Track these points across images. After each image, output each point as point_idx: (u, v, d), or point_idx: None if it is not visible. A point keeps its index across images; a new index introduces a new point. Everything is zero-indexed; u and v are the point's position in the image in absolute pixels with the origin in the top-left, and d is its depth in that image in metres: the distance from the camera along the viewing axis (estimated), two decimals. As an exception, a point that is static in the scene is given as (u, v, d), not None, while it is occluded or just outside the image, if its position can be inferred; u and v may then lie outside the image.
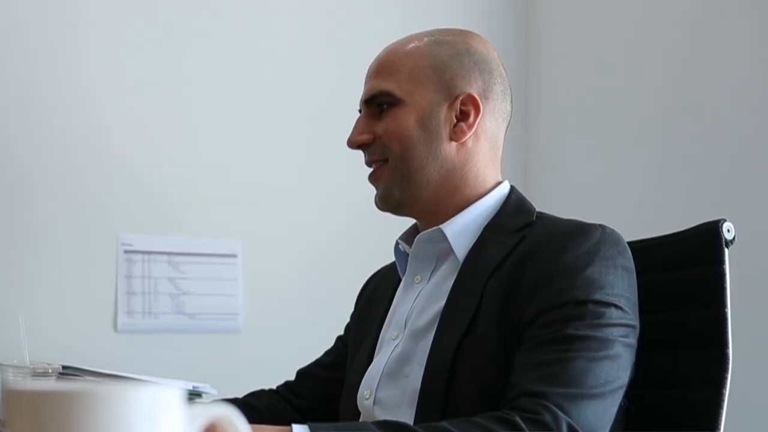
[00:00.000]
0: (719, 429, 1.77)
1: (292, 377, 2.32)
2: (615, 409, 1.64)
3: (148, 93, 3.25)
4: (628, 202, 3.28)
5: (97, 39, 3.20)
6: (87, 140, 3.14)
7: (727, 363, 1.81)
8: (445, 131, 1.92)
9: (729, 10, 2.97)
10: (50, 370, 2.45)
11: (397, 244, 2.04)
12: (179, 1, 3.32)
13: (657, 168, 3.21)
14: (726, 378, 1.80)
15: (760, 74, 2.84)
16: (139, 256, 3.17)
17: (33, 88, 3.10)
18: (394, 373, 1.88)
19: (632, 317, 1.73)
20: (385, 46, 2.03)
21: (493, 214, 1.94)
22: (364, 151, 1.98)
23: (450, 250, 1.91)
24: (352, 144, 1.98)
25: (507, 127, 2.05)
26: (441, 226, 1.91)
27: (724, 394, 1.80)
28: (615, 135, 3.42)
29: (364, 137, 1.95)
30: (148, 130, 3.23)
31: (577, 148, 3.60)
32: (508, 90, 2.02)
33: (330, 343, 2.35)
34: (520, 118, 3.67)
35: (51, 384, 0.66)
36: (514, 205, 1.95)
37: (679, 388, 1.88)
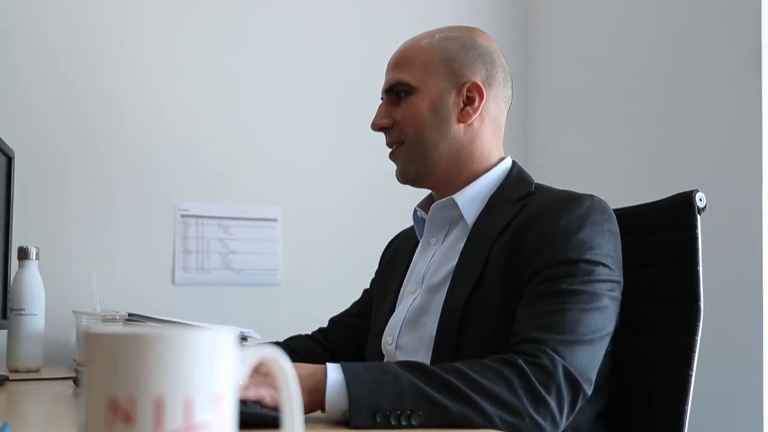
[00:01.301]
0: (692, 369, 1.78)
1: (325, 324, 2.34)
2: (603, 353, 1.64)
3: (202, 82, 3.26)
4: (613, 174, 3.28)
5: (159, 32, 3.21)
6: (150, 122, 3.16)
7: (699, 313, 1.82)
8: (453, 114, 1.92)
9: (695, 12, 2.96)
10: (118, 317, 2.47)
11: (415, 211, 2.06)
12: (230, 11, 3.32)
13: (639, 145, 3.20)
14: (698, 326, 1.81)
15: (720, 66, 2.83)
16: (193, 220, 3.18)
17: (102, 72, 3.11)
18: (413, 322, 1.89)
19: (617, 274, 1.73)
20: (400, 40, 2.03)
21: (498, 185, 1.94)
22: (385, 133, 1.99)
23: (461, 217, 1.92)
24: (375, 127, 1.99)
25: (508, 110, 2.04)
26: (453, 196, 1.92)
27: (696, 340, 1.80)
28: (603, 117, 3.41)
29: (385, 121, 1.96)
30: (202, 114, 3.24)
31: (570, 128, 3.60)
32: (509, 77, 2.02)
33: (357, 295, 2.36)
34: (521, 102, 3.67)
35: (125, 328, 0.66)
36: (516, 178, 1.95)
37: (657, 335, 1.88)
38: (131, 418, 0.66)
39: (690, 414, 1.78)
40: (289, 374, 0.75)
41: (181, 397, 0.66)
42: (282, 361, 0.75)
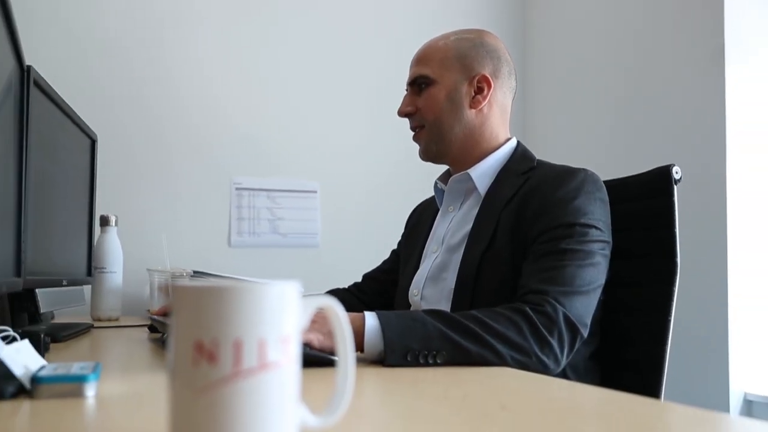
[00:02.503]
0: (671, 315, 1.78)
1: (358, 279, 2.34)
2: (596, 302, 1.63)
3: (254, 75, 3.26)
4: (598, 150, 3.27)
5: (216, 31, 3.21)
6: (209, 109, 3.16)
7: (676, 268, 1.82)
8: (466, 102, 1.92)
9: (669, 12, 2.95)
10: (185, 274, 2.47)
11: (435, 183, 2.06)
12: (273, 11, 3.31)
13: (621, 126, 3.20)
14: (675, 278, 1.81)
15: (690, 59, 2.82)
16: (246, 192, 3.19)
17: (167, 67, 3.12)
18: (435, 277, 1.89)
19: (607, 235, 1.72)
20: (420, 41, 2.03)
21: (505, 162, 1.93)
22: (408, 119, 2.00)
23: (474, 188, 1.92)
24: (400, 114, 2.00)
25: (513, 98, 2.04)
26: (468, 170, 1.92)
27: (674, 290, 1.80)
28: (590, 103, 3.40)
29: (409, 109, 1.97)
30: (253, 102, 3.25)
31: (562, 113, 3.59)
32: (513, 71, 2.01)
33: (385, 255, 2.36)
34: (520, 90, 3.66)
35: (206, 282, 0.66)
36: (521, 155, 1.95)
37: (641, 286, 1.87)
38: (215, 357, 0.65)
39: (669, 353, 1.78)
40: (343, 320, 0.75)
41: (256, 339, 0.66)
42: (337, 309, 0.75)
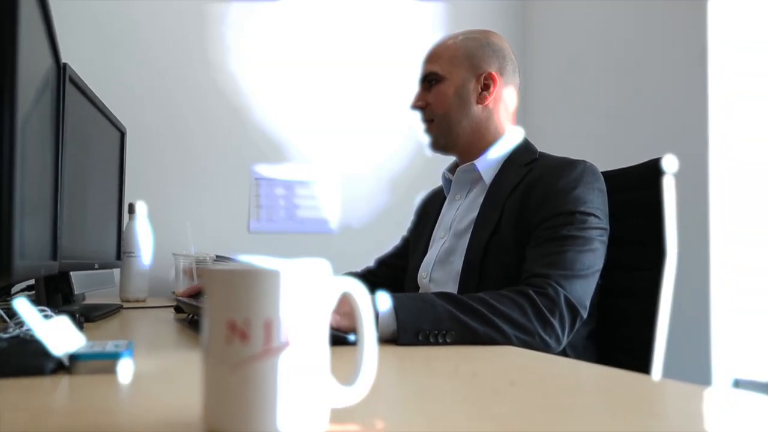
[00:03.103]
0: (660, 296, 1.78)
1: (369, 264, 2.33)
2: (594, 285, 1.63)
3: (273, 73, 3.25)
4: (591, 143, 3.27)
5: (234, 30, 3.20)
6: (230, 104, 3.17)
7: (666, 254, 1.81)
8: (473, 98, 1.92)
9: (658, 18, 2.95)
10: (208, 258, 2.47)
11: (443, 173, 2.05)
12: (290, 10, 3.31)
13: (613, 120, 3.20)
14: (666, 264, 1.80)
15: (677, 60, 2.82)
16: (265, 182, 3.20)
17: (190, 66, 3.12)
18: (442, 261, 1.89)
19: (605, 223, 1.71)
20: (427, 39, 2.03)
21: (509, 153, 1.93)
22: (420, 113, 1.99)
23: (480, 178, 1.91)
24: (412, 108, 1.99)
25: (517, 94, 2.04)
26: (474, 161, 1.92)
27: (665, 276, 1.79)
28: (584, 101, 3.41)
29: (420, 103, 1.96)
30: (273, 99, 3.25)
31: (560, 108, 3.59)
32: (517, 69, 2.01)
33: (395, 241, 2.35)
34: (520, 87, 3.66)
35: (238, 265, 0.66)
36: (524, 147, 1.94)
37: (635, 270, 1.87)
38: (246, 336, 0.65)
39: (660, 335, 1.78)
40: (365, 301, 0.75)
41: (284, 318, 0.66)
42: (360, 291, 0.75)
